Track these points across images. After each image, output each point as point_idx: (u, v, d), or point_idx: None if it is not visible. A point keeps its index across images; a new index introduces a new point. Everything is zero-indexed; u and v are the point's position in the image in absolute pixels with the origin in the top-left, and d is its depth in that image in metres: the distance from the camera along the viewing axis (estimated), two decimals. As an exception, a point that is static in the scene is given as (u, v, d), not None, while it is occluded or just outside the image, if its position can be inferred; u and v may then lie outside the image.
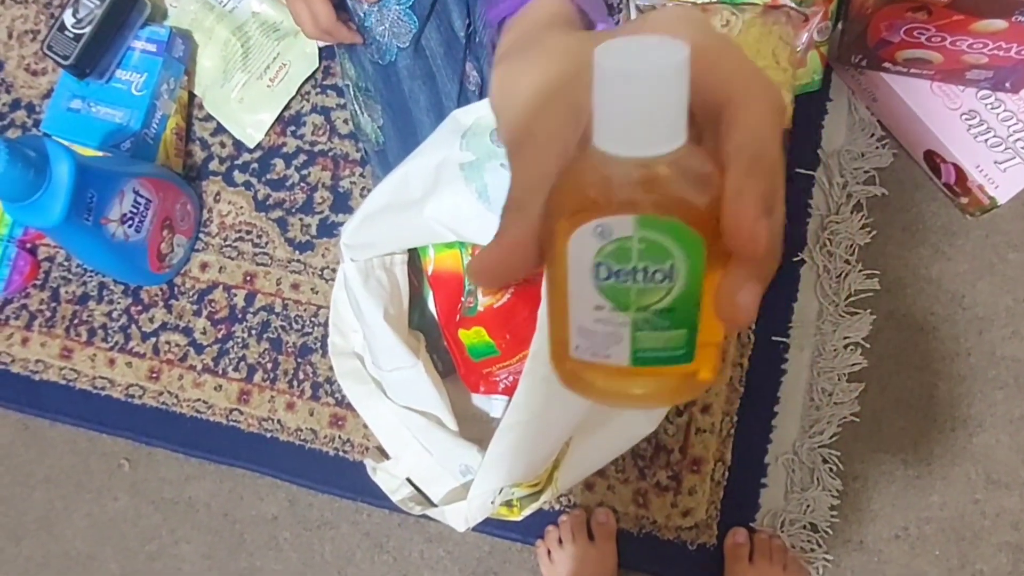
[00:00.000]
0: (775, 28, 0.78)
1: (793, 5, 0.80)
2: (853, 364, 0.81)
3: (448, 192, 0.69)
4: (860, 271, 0.82)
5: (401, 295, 0.73)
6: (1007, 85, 0.79)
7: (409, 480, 0.77)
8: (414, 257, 0.76)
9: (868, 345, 0.81)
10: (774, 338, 0.82)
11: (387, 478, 0.78)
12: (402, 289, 0.73)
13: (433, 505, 0.75)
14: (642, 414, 0.72)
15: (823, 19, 0.81)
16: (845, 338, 0.82)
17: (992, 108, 0.80)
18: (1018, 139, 0.79)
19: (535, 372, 0.58)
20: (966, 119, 0.80)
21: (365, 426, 0.84)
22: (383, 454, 0.79)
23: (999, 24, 0.71)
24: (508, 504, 0.70)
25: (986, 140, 0.79)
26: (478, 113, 0.70)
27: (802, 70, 0.81)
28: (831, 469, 0.80)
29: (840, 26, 0.83)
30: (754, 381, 0.82)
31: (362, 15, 0.80)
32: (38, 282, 0.92)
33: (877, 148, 0.83)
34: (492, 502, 0.66)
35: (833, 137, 0.84)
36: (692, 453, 0.82)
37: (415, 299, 0.76)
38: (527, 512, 0.70)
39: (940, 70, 0.79)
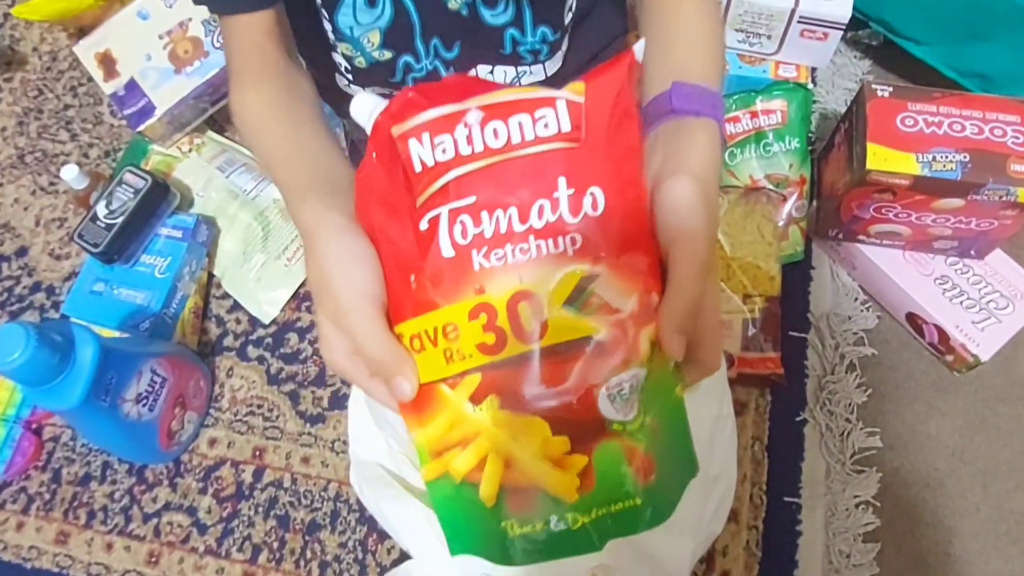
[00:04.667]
0: (757, 207, 0.87)
1: (771, 187, 0.89)
2: (867, 524, 0.81)
3: None
4: (861, 429, 0.84)
5: None
6: (972, 252, 0.86)
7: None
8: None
9: (879, 503, 0.82)
10: (786, 499, 0.83)
11: None
12: None
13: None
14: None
15: (799, 198, 0.89)
16: (855, 496, 0.82)
17: (962, 273, 0.87)
18: (990, 300, 0.85)
19: None
20: (940, 283, 0.86)
21: (375, 607, 0.81)
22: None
23: (957, 202, 0.79)
24: None
25: (961, 302, 0.85)
26: None
27: (786, 242, 0.89)
28: (858, 636, 0.78)
29: (815, 204, 0.91)
30: (771, 544, 0.81)
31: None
32: (40, 463, 0.90)
33: (862, 311, 0.89)
34: None
35: (820, 302, 0.90)
36: (716, 624, 0.79)
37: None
38: None
39: (910, 241, 0.86)
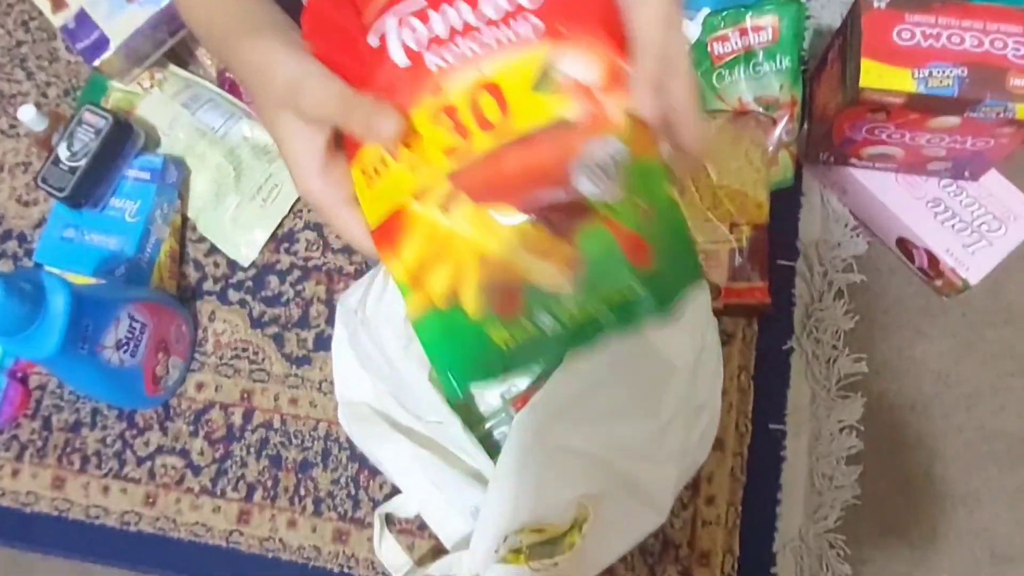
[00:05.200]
0: (745, 132, 0.83)
1: (760, 110, 0.85)
2: (850, 447, 0.82)
3: None
4: (848, 355, 0.84)
5: None
6: (966, 174, 0.84)
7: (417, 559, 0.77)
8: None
9: (862, 427, 0.83)
10: (771, 426, 0.84)
11: (391, 555, 0.80)
12: None
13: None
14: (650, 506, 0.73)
15: (789, 121, 0.86)
16: (840, 421, 0.83)
17: (955, 195, 0.84)
18: (982, 223, 0.83)
19: (524, 424, 0.66)
20: (932, 207, 0.84)
21: (369, 539, 0.83)
22: (388, 522, 0.81)
23: (953, 120, 0.76)
24: (516, 551, 0.71)
25: (952, 225, 0.83)
26: None
27: (775, 168, 0.86)
28: (839, 554, 0.80)
29: (806, 127, 0.88)
30: (755, 470, 0.83)
31: None
32: (29, 411, 0.91)
33: (852, 237, 0.87)
34: (496, 550, 0.68)
35: (809, 229, 0.88)
36: (700, 546, 0.82)
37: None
38: (539, 568, 0.69)
39: (903, 163, 0.84)
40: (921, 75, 0.74)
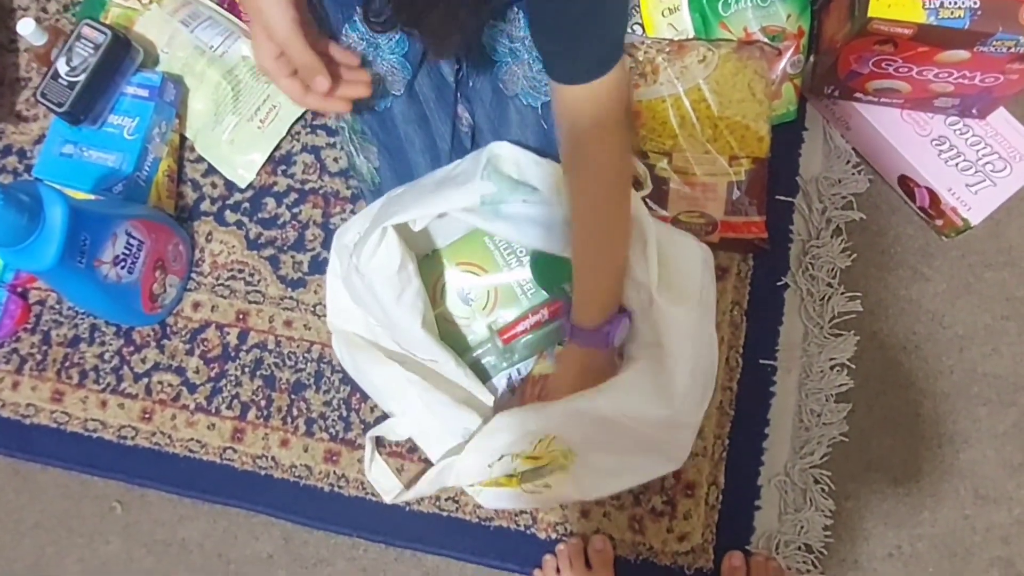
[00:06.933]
0: (750, 63, 0.82)
1: (766, 40, 0.83)
2: (840, 385, 0.83)
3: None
4: (842, 293, 0.84)
5: (430, 308, 0.79)
6: (974, 111, 0.82)
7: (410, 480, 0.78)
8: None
9: (853, 366, 0.83)
10: (762, 361, 0.84)
11: (381, 477, 0.82)
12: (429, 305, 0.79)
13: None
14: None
15: (795, 53, 0.84)
16: (831, 359, 0.83)
17: (961, 134, 0.83)
18: (987, 162, 0.82)
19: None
20: (936, 144, 0.83)
21: (359, 460, 0.85)
22: (378, 445, 0.83)
23: (962, 54, 0.74)
24: (509, 476, 0.74)
25: (956, 164, 0.82)
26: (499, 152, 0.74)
27: (778, 101, 0.85)
28: (823, 489, 0.81)
29: (812, 59, 0.86)
30: (744, 404, 0.83)
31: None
32: (29, 326, 0.92)
33: (853, 174, 0.86)
34: (489, 466, 0.71)
35: (810, 165, 0.87)
36: (686, 477, 0.82)
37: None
38: (531, 490, 0.73)
39: (909, 99, 0.82)
40: (932, 5, 0.72)
